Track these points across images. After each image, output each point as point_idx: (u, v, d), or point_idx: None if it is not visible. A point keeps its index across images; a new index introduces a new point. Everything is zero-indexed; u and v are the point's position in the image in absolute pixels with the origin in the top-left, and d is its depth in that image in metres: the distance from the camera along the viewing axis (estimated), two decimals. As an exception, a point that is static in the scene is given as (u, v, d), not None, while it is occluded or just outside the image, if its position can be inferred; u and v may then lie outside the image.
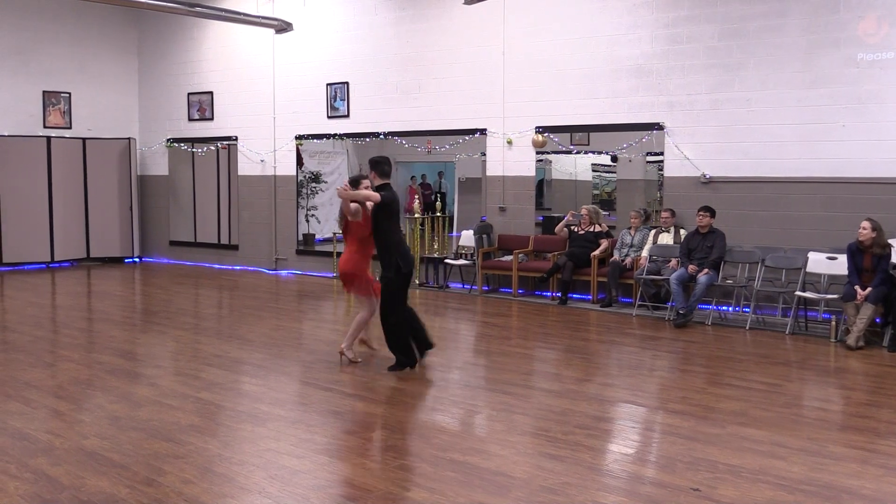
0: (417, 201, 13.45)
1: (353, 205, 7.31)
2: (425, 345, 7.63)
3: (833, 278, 9.25)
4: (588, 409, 6.28)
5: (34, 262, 15.32)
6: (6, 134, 14.92)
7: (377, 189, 7.29)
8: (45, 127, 15.61)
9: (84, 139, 15.84)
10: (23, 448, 5.35)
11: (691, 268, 9.71)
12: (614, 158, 12.77)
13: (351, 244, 7.63)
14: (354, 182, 7.62)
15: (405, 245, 7.46)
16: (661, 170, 11.14)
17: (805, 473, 4.94)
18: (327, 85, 14.02)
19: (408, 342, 7.42)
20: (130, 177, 16.16)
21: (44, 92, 15.59)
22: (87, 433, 5.67)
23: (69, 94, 15.90)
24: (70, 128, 15.94)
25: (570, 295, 11.19)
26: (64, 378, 7.24)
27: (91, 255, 16.01)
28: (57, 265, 15.54)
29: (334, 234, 13.70)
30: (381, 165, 7.37)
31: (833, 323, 8.91)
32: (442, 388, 7.00)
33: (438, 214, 13.47)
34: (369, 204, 7.26)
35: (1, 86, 15.04)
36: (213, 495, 4.63)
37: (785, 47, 9.98)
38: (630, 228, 11.10)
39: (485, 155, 12.57)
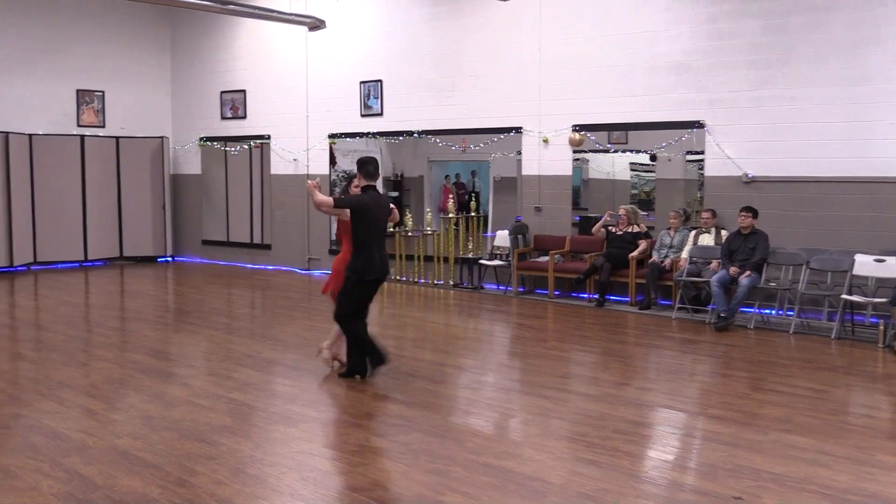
0: (451, 201, 13.45)
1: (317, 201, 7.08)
2: (376, 358, 7.19)
3: (881, 281, 9.10)
4: (626, 413, 6.23)
5: (67, 261, 15.54)
6: (41, 133, 15.16)
7: (363, 190, 7.12)
8: (78, 126, 15.85)
9: (117, 138, 16.05)
10: (56, 447, 5.42)
11: (733, 270, 9.60)
12: (653, 157, 12.65)
13: (343, 244, 7.49)
14: (349, 179, 7.60)
15: (373, 251, 7.02)
16: (702, 169, 11.03)
17: (851, 483, 4.86)
18: (361, 83, 14.07)
19: (361, 348, 7.12)
20: (163, 176, 16.35)
21: (77, 90, 15.83)
22: (120, 433, 5.73)
23: (102, 92, 16.13)
24: (104, 126, 16.16)
25: (607, 297, 11.12)
26: (97, 377, 7.33)
27: (124, 255, 16.21)
28: (90, 264, 15.76)
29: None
30: (365, 166, 7.14)
31: (881, 327, 8.76)
32: (476, 391, 6.98)
33: (473, 214, 13.46)
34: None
35: (35, 85, 15.29)
36: (245, 497, 4.66)
37: (830, 43, 9.84)
38: (669, 229, 11.01)
39: (520, 154, 12.53)
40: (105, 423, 6.02)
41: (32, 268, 15.05)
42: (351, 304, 7.07)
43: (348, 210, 7.06)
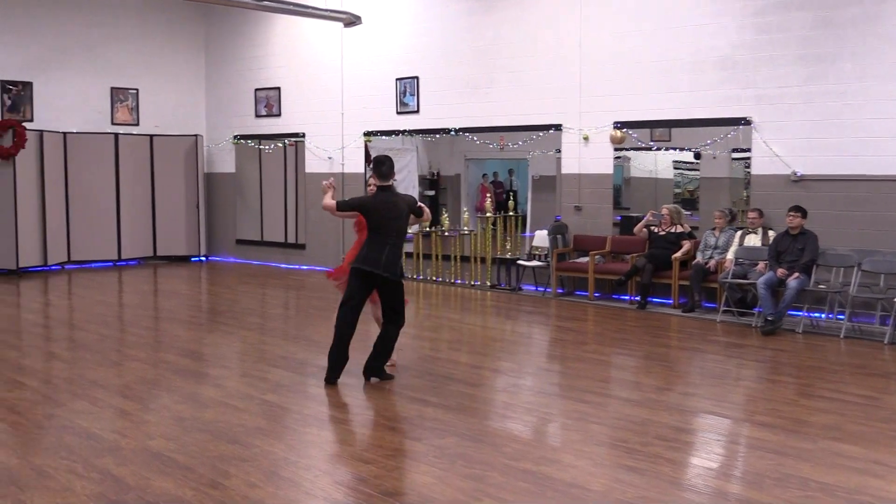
0: (489, 200, 13.43)
1: (323, 204, 7.30)
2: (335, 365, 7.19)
3: (936, 284, 8.93)
4: (669, 419, 6.18)
5: (101, 261, 15.77)
6: (75, 131, 15.39)
7: (377, 190, 7.15)
8: (112, 124, 16.07)
9: (151, 136, 16.25)
10: (89, 447, 5.50)
11: (780, 271, 9.49)
12: (697, 155, 12.53)
13: (357, 237, 7.70)
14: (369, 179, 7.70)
15: (376, 248, 7.00)
16: (748, 167, 10.91)
17: (905, 493, 4.78)
18: (397, 80, 14.11)
19: (340, 343, 7.09)
20: (197, 174, 16.53)
21: (112, 88, 16.05)
22: (153, 433, 5.80)
23: (136, 90, 16.34)
24: (137, 124, 16.37)
25: (649, 299, 11.04)
26: (130, 377, 7.43)
27: (157, 254, 16.41)
28: (124, 263, 15.98)
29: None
30: (379, 167, 7.15)
31: (936, 332, 8.61)
32: (514, 395, 6.97)
33: (511, 213, 13.44)
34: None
35: (70, 83, 15.53)
36: (278, 500, 4.69)
37: (883, 36, 9.67)
38: (714, 229, 10.91)
39: (560, 152, 12.48)
40: (138, 423, 6.10)
41: (66, 267, 15.29)
42: (349, 291, 7.08)
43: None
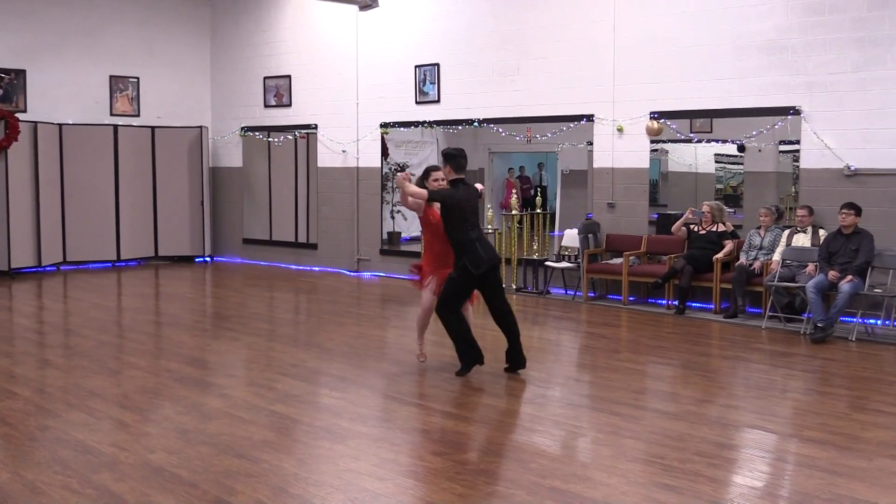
0: (515, 196, 13.43)
1: (408, 198, 7.67)
2: (519, 357, 7.90)
3: None
4: (709, 434, 6.15)
5: (99, 261, 15.89)
6: (71, 122, 15.52)
7: (450, 184, 7.63)
8: (111, 115, 16.18)
9: (153, 128, 16.37)
10: (86, 462, 5.54)
11: (832, 274, 9.43)
12: (741, 148, 12.49)
13: (425, 239, 8.09)
14: (426, 173, 7.99)
15: (475, 245, 7.55)
16: (797, 161, 10.86)
17: (969, 516, 4.73)
18: (416, 67, 14.13)
19: (467, 337, 7.70)
20: (202, 168, 16.62)
21: (111, 77, 16.17)
22: (154, 447, 5.84)
23: (137, 78, 16.46)
24: (138, 115, 16.49)
25: (688, 303, 11.00)
26: (130, 387, 7.48)
27: (159, 254, 16.52)
28: (123, 264, 16.09)
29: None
30: (456, 159, 7.65)
31: None
32: (541, 407, 6.96)
33: (538, 211, 13.41)
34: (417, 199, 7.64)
35: (66, 70, 15.66)
36: (287, 519, 4.71)
37: (946, 17, 9.60)
38: (759, 228, 10.86)
39: (591, 144, 12.46)
40: (138, 436, 6.14)
41: (62, 268, 15.42)
42: (456, 299, 7.62)
43: (437, 204, 7.59)
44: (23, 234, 14.56)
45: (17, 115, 14.41)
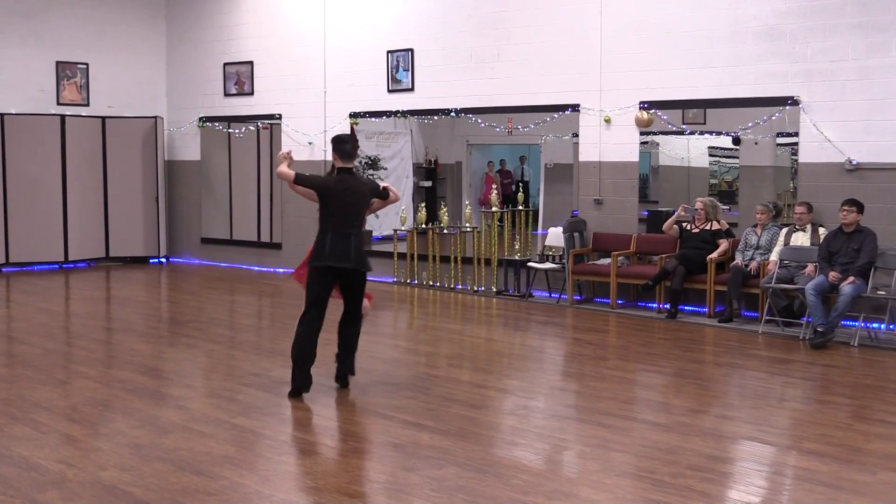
0: (495, 192, 13.45)
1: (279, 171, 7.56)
2: (344, 368, 7.72)
3: None
4: (702, 446, 6.19)
5: (45, 262, 15.76)
6: (13, 112, 15.40)
7: (337, 172, 7.51)
8: (58, 104, 16.07)
9: (103, 118, 16.26)
10: (30, 480, 5.51)
11: (832, 275, 9.50)
12: (736, 140, 12.58)
13: None
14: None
15: (327, 238, 7.37)
16: (795, 154, 10.95)
17: (977, 532, 4.79)
18: (388, 53, 14.12)
19: (300, 355, 7.40)
20: (157, 162, 16.53)
21: (57, 63, 16.05)
22: (105, 463, 5.80)
23: (87, 65, 16.35)
24: (87, 105, 16.38)
25: (680, 307, 11.06)
26: (78, 398, 7.44)
27: (111, 255, 16.41)
28: (71, 266, 15.98)
29: (395, 231, 13.81)
30: (342, 145, 7.53)
31: None
32: (523, 418, 6.98)
33: (520, 208, 13.45)
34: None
35: (8, 56, 15.49)
36: (249, 540, 4.70)
37: (954, 2, 9.70)
38: (756, 226, 10.92)
39: (577, 136, 12.50)
40: (88, 451, 6.10)
41: (4, 269, 15.31)
42: (312, 295, 7.41)
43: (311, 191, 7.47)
44: (-39, 233, 14.44)
45: (-46, 103, 14.31)
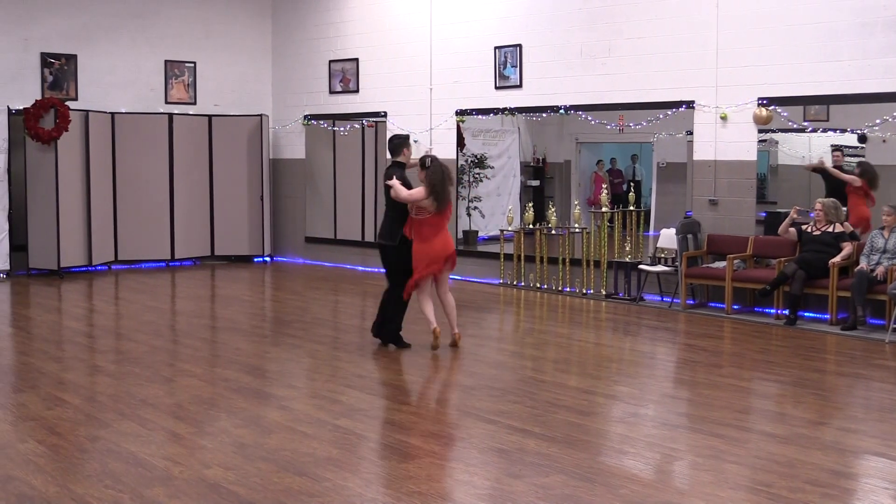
0: (605, 192, 13.34)
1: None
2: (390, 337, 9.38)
3: None
4: (823, 460, 6.05)
5: (152, 260, 16.22)
6: (124, 111, 15.86)
7: (392, 166, 9.45)
8: (166, 102, 16.49)
9: (210, 116, 16.64)
10: (138, 476, 5.68)
11: (966, 281, 9.19)
12: (862, 138, 12.24)
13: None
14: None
15: (385, 221, 9.46)
16: (927, 152, 10.61)
17: None
18: (495, 49, 14.14)
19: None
20: (262, 161, 16.82)
21: (166, 62, 16.48)
22: (210, 461, 5.96)
23: (194, 63, 16.76)
24: (195, 103, 16.79)
25: (800, 313, 10.83)
26: (184, 396, 7.64)
27: (216, 254, 16.80)
28: (178, 264, 16.40)
29: (502, 231, 13.80)
30: (390, 143, 9.66)
31: None
32: (632, 426, 6.92)
33: (631, 208, 13.32)
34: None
35: (119, 56, 15.99)
36: (352, 543, 4.76)
37: None
38: (883, 229, 10.63)
39: (691, 134, 12.34)
40: (192, 449, 6.27)
41: (113, 267, 15.79)
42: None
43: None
44: (72, 230, 14.90)
45: (67, 103, 14.75)
